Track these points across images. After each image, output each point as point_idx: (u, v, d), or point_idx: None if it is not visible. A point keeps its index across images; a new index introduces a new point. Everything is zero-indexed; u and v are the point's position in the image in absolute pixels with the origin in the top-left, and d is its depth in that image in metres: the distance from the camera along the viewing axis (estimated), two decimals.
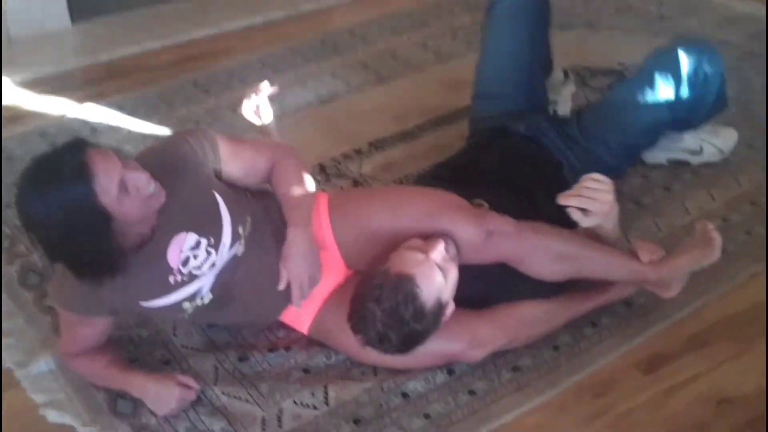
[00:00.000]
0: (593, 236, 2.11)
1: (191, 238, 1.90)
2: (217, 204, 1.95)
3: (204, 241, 1.91)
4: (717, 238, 2.09)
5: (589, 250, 2.07)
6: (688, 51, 2.41)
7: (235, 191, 2.02)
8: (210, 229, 1.93)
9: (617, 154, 2.44)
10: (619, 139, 2.42)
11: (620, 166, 2.50)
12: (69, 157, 1.71)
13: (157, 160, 1.92)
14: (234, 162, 2.02)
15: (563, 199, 2.03)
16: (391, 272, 1.91)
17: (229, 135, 2.12)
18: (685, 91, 2.37)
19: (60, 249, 1.78)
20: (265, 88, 2.57)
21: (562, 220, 2.08)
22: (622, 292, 2.23)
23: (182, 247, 1.89)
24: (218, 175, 2.00)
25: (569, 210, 2.02)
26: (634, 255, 2.10)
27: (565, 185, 2.35)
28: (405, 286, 1.88)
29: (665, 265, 2.09)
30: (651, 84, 2.41)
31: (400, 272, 1.90)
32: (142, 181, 1.77)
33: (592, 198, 2.02)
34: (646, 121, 2.41)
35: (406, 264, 1.91)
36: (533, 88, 2.68)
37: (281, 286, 1.98)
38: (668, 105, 2.39)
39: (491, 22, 2.68)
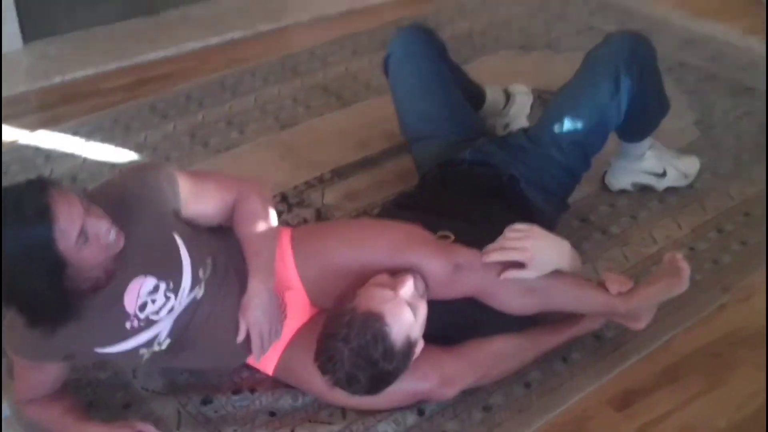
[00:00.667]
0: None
1: (149, 282, 1.83)
2: (177, 246, 1.87)
3: (163, 285, 1.84)
4: (685, 268, 2.08)
5: (557, 282, 2.03)
6: (621, 40, 2.44)
7: (196, 231, 1.95)
8: (169, 273, 1.86)
9: (571, 154, 2.42)
10: (569, 138, 2.40)
11: (576, 168, 2.47)
12: (31, 196, 1.64)
13: (113, 198, 1.85)
14: (194, 201, 1.95)
15: (485, 257, 1.98)
16: (359, 310, 1.86)
17: (189, 171, 2.06)
18: (622, 78, 2.37)
19: (11, 291, 1.69)
20: None
21: None
22: (591, 324, 2.20)
23: (140, 292, 1.82)
24: (177, 214, 1.93)
25: (504, 274, 1.96)
26: (603, 287, 2.07)
27: (524, 199, 2.35)
28: (374, 324, 1.83)
29: (634, 296, 2.06)
30: (591, 77, 2.42)
31: (369, 310, 1.85)
32: (102, 229, 1.71)
33: (513, 248, 1.97)
34: (592, 115, 2.39)
35: (375, 301, 1.87)
36: (461, 117, 2.65)
37: (240, 338, 1.93)
38: (610, 94, 2.38)
39: (391, 73, 2.67)
